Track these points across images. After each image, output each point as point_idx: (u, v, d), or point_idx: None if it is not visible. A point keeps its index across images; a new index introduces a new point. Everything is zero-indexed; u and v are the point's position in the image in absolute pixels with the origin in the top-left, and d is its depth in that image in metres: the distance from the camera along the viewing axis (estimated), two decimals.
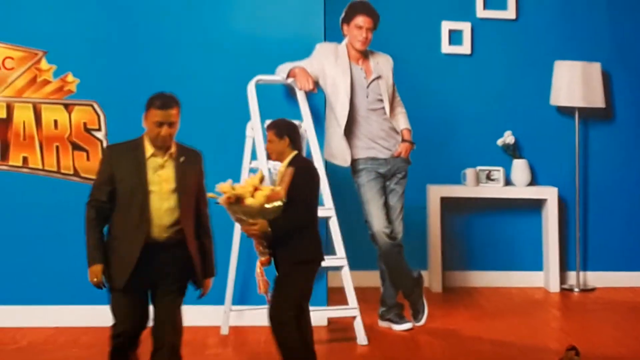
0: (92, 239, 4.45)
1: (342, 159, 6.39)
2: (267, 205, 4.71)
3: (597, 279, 8.04)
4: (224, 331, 6.27)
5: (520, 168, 7.95)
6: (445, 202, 7.90)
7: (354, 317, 6.08)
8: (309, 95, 6.38)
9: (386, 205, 6.35)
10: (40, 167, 6.44)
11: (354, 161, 6.38)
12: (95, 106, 6.46)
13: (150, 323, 4.51)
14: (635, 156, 8.12)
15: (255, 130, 6.18)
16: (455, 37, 8.06)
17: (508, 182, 8.01)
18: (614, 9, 8.10)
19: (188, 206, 4.48)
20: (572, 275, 8.02)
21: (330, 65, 6.35)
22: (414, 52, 7.95)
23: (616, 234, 8.11)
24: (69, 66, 6.46)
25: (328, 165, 6.45)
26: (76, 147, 6.46)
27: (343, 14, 6.40)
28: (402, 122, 6.50)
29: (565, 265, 8.02)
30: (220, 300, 6.16)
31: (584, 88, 7.83)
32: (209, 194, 4.63)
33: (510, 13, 8.05)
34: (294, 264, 4.84)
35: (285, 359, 4.84)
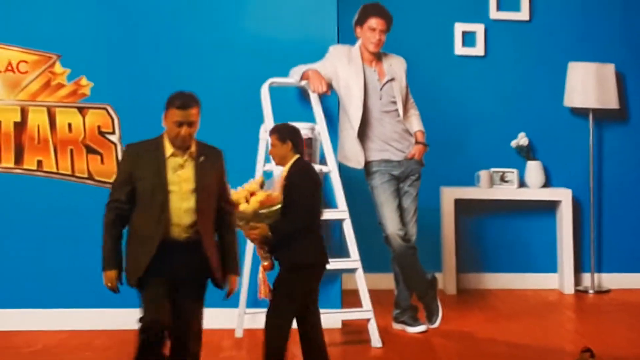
0: (109, 243, 4.44)
1: (356, 161, 6.38)
2: (261, 210, 4.73)
3: (612, 280, 8.02)
4: (239, 334, 6.27)
5: (534, 170, 7.93)
6: (459, 204, 7.88)
7: (368, 320, 6.07)
8: (322, 97, 6.38)
9: (400, 208, 6.34)
10: (54, 170, 6.46)
11: (367, 163, 6.37)
12: (109, 109, 6.48)
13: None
14: None
15: (268, 133, 6.18)
16: (468, 38, 8.05)
17: (522, 183, 7.99)
18: (628, 9, 8.08)
19: (208, 206, 4.46)
20: (586, 277, 8.00)
21: (343, 67, 6.35)
22: (427, 54, 7.95)
23: (631, 236, 8.09)
24: (82, 69, 6.47)
25: (342, 168, 6.44)
26: (90, 150, 6.47)
27: (356, 16, 6.40)
28: (415, 124, 6.49)
29: (579, 267, 8.00)
30: (234, 303, 6.16)
31: (598, 89, 7.81)
32: None
33: (523, 14, 8.04)
34: (291, 268, 4.84)
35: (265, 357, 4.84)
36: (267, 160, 6.24)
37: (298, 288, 4.86)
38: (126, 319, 6.28)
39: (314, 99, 6.33)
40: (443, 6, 8.05)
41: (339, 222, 6.27)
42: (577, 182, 8.00)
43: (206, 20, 6.55)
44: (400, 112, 6.40)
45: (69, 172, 6.46)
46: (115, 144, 6.46)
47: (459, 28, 8.03)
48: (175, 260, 4.40)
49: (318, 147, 6.32)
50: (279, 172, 5.15)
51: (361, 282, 6.11)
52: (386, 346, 6.03)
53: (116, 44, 6.50)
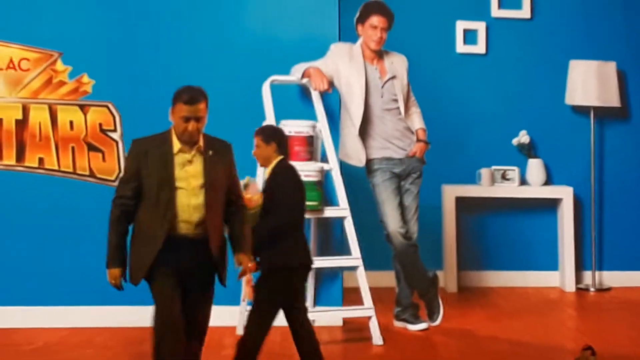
0: (114, 239, 4.39)
1: (357, 159, 6.38)
2: None
3: (613, 278, 8.02)
4: (240, 331, 6.27)
5: (535, 168, 7.93)
6: (460, 202, 7.88)
7: (369, 317, 6.07)
8: (323, 95, 6.38)
9: (401, 205, 6.34)
10: (56, 168, 6.46)
11: (368, 161, 6.37)
12: (111, 107, 6.48)
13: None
14: None
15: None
16: (470, 36, 8.04)
17: (523, 181, 7.99)
18: (629, 8, 8.08)
19: (216, 202, 4.40)
20: (587, 275, 8.00)
21: (344, 65, 6.35)
22: (429, 52, 7.94)
23: (632, 234, 8.09)
24: (84, 67, 6.47)
25: (343, 166, 6.44)
26: (92, 147, 6.47)
27: (357, 14, 6.40)
28: (416, 121, 6.49)
29: (580, 265, 8.00)
30: (236, 301, 6.17)
31: (600, 87, 7.81)
32: None
33: (525, 12, 8.04)
34: (270, 269, 4.82)
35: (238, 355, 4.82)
36: None
37: (279, 289, 4.83)
38: (127, 316, 6.33)
39: (316, 97, 6.33)
40: (444, 4, 8.05)
41: (340, 220, 6.28)
42: (578, 180, 8.00)
43: (208, 19, 6.55)
44: (402, 109, 6.40)
45: (71, 170, 6.46)
46: (116, 142, 6.46)
47: (461, 26, 8.03)
48: (182, 256, 4.35)
49: (319, 145, 6.32)
50: (262, 173, 5.10)
51: (362, 280, 6.11)
52: (387, 344, 6.03)
53: (118, 42, 6.50)
